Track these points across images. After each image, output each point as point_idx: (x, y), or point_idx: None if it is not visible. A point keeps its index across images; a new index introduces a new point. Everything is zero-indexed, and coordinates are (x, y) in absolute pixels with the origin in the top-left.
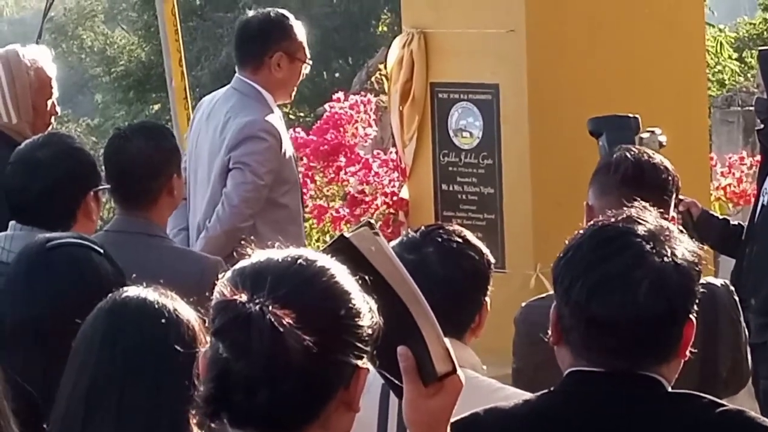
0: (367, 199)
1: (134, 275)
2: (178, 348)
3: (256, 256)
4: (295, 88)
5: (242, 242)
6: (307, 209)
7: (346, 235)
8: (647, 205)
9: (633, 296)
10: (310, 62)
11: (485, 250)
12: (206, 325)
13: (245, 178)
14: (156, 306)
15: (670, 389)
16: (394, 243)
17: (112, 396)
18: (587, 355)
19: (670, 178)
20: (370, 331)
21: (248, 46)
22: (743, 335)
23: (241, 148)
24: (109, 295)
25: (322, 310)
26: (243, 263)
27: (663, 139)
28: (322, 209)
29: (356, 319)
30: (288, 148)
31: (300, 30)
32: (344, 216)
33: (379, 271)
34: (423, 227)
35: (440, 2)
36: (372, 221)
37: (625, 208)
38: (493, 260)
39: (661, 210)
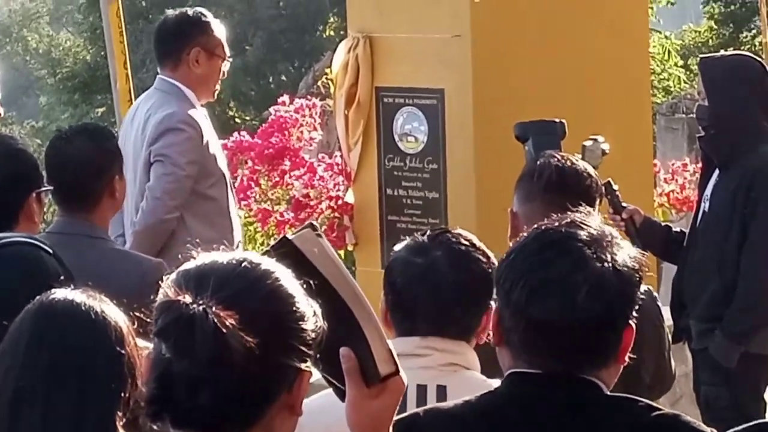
0: (312, 203)
1: (77, 277)
2: (104, 350)
3: (201, 258)
4: (218, 87)
5: (174, 236)
6: (251, 213)
7: (289, 237)
8: (591, 210)
9: (572, 300)
10: (230, 59)
11: (491, 254)
12: (135, 326)
13: (166, 169)
14: (83, 308)
15: (607, 393)
16: (400, 246)
17: (37, 399)
18: (526, 357)
19: (593, 184)
20: (314, 335)
21: (166, 44)
22: (666, 340)
23: (160, 140)
24: (36, 297)
25: (266, 313)
26: (188, 265)
27: (606, 147)
28: (266, 213)
29: (300, 323)
30: (212, 142)
31: (219, 27)
32: (289, 220)
33: (322, 272)
34: (429, 231)
35: (386, 7)
36: (315, 223)
37: (569, 213)
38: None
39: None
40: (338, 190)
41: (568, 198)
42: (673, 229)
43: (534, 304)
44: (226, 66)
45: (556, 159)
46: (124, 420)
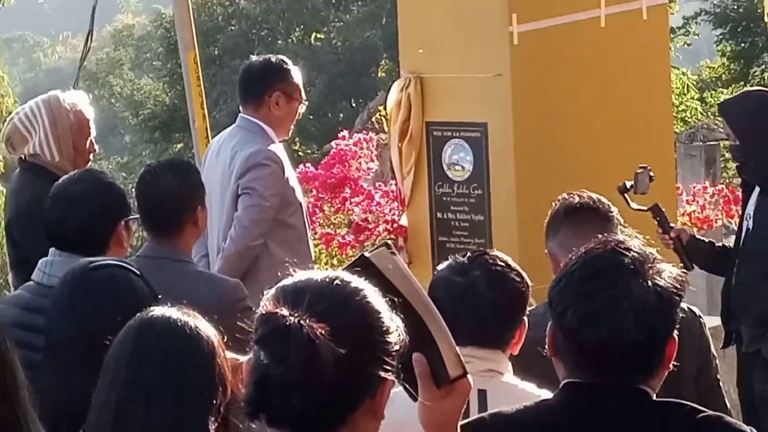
0: (370, 226)
1: (161, 296)
2: (198, 362)
3: (298, 275)
4: (293, 127)
5: (257, 260)
6: (316, 236)
7: (366, 254)
8: (634, 231)
9: (619, 327)
10: (306, 103)
11: (524, 273)
12: (225, 340)
13: (253, 201)
14: (179, 324)
15: (654, 398)
16: (443, 266)
17: (138, 411)
18: (579, 374)
19: (601, 205)
20: (397, 347)
21: (250, 87)
22: (710, 350)
23: (247, 175)
24: (125, 315)
25: (355, 327)
26: (286, 281)
27: (652, 174)
28: (329, 236)
29: (385, 336)
30: (290, 174)
31: (297, 74)
32: (350, 242)
33: (396, 286)
34: (469, 253)
35: (434, 50)
36: (389, 242)
37: (612, 236)
38: (530, 283)
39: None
40: (393, 214)
41: (588, 216)
42: (716, 245)
43: (585, 330)
44: (302, 108)
45: (564, 196)
46: (216, 424)
